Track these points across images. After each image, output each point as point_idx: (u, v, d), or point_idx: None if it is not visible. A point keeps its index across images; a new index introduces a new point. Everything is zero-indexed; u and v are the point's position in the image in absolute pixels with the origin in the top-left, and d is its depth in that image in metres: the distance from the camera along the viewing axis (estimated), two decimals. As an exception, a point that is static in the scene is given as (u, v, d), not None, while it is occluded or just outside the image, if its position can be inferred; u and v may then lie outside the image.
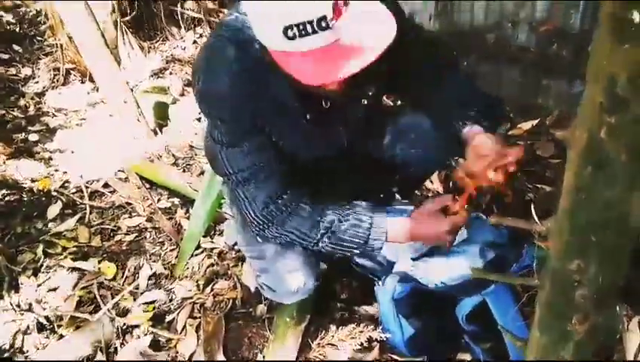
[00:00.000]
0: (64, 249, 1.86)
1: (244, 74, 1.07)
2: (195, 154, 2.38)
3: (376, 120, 1.34)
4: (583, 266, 0.69)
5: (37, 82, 3.38)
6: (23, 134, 2.73)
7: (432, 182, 2.08)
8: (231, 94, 1.07)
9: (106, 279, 1.73)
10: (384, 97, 1.46)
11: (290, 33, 0.86)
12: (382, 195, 1.51)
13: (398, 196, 1.56)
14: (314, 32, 0.86)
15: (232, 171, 1.15)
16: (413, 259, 1.35)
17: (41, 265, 1.79)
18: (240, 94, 1.07)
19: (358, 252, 1.19)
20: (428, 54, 1.28)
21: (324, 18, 0.86)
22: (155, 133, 2.53)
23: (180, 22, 3.67)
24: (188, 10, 3.68)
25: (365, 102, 1.22)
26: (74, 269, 1.77)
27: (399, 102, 1.50)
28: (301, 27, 0.86)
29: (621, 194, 0.61)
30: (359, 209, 1.19)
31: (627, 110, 0.54)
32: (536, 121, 2.55)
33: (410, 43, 1.25)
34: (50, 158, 2.47)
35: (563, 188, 0.67)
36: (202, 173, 2.19)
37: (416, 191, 1.86)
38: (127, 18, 3.43)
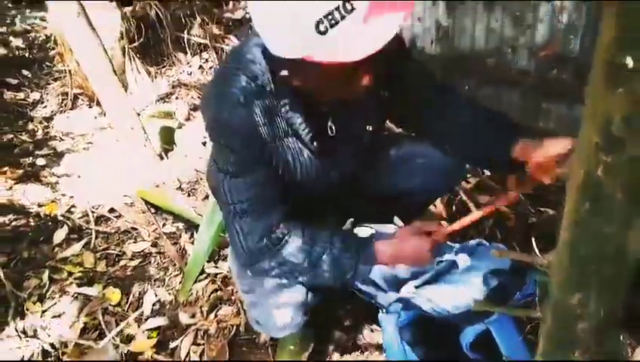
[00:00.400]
0: (70, 274, 1.87)
1: (255, 104, 1.08)
2: (200, 179, 2.41)
3: (379, 147, 1.36)
4: (583, 300, 0.69)
5: (45, 107, 3.44)
6: (31, 158, 2.77)
7: (435, 206, 2.09)
8: (242, 124, 1.08)
9: (110, 305, 1.74)
10: (388, 122, 1.47)
11: (321, 27, 0.86)
12: (384, 222, 1.51)
13: (400, 222, 1.57)
14: (342, 17, 0.87)
15: (231, 201, 1.15)
16: (417, 287, 1.35)
17: (47, 291, 1.80)
18: (251, 124, 1.09)
19: (349, 279, 1.19)
20: (429, 81, 1.30)
21: (348, 2, 0.86)
22: (161, 158, 2.55)
23: (187, 47, 3.74)
24: (194, 36, 3.74)
25: (370, 129, 1.24)
26: (79, 295, 1.77)
27: (401, 129, 1.51)
28: (330, 17, 0.86)
29: (618, 230, 0.62)
30: (347, 237, 1.21)
31: (623, 150, 0.55)
32: (538, 145, 2.56)
33: (412, 70, 1.28)
34: (57, 183, 2.50)
35: (563, 221, 0.69)
36: (207, 197, 2.21)
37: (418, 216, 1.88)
38: (135, 44, 3.50)
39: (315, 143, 1.16)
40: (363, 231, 1.46)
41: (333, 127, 1.19)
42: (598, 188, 0.59)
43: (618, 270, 0.66)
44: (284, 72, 1.01)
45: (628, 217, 0.61)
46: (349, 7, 0.86)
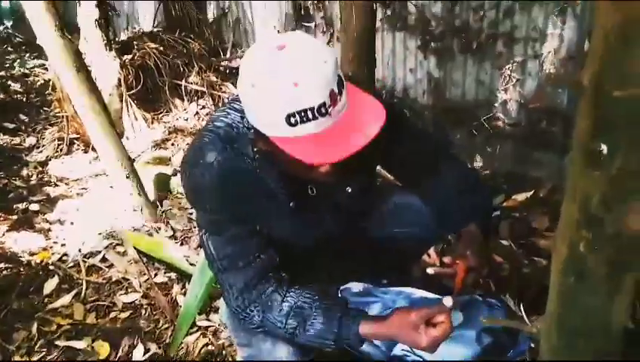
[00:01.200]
0: (59, 326, 1.84)
1: (230, 170, 1.12)
2: (194, 227, 2.41)
3: (365, 203, 1.37)
4: (573, 369, 0.70)
5: (41, 151, 3.46)
6: (24, 204, 2.76)
7: (429, 255, 2.10)
8: (214, 189, 1.12)
9: (99, 359, 1.71)
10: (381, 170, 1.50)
11: (292, 120, 0.91)
12: (377, 275, 1.51)
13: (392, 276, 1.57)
14: (314, 117, 0.91)
15: (214, 258, 1.18)
16: None
17: (36, 344, 1.77)
18: (224, 190, 1.12)
19: (332, 346, 1.17)
20: (420, 144, 1.33)
21: (323, 105, 0.91)
22: (156, 205, 2.56)
23: (183, 94, 3.81)
24: (191, 83, 3.82)
25: (350, 190, 1.25)
26: (68, 348, 1.74)
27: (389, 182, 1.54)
28: (302, 114, 0.90)
29: (603, 303, 0.63)
30: (332, 305, 1.17)
31: (602, 228, 0.57)
32: (530, 193, 2.59)
33: (402, 132, 1.31)
34: (50, 230, 2.49)
35: (549, 292, 0.70)
36: (200, 246, 2.21)
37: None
38: (133, 91, 3.56)
39: (292, 204, 1.18)
40: (356, 287, 1.46)
41: (313, 188, 1.22)
42: (582, 263, 0.61)
43: (605, 345, 0.67)
44: (260, 144, 1.05)
45: (612, 291, 0.62)
46: (323, 110, 0.91)
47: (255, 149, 1.11)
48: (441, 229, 1.37)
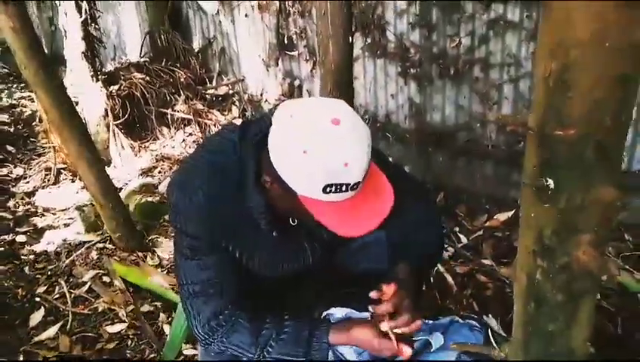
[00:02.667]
0: (45, 359, 1.83)
1: (215, 198, 1.15)
2: (180, 255, 2.42)
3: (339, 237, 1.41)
4: (539, 392, 0.73)
5: (28, 182, 3.45)
6: (11, 235, 2.76)
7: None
8: (199, 213, 1.15)
9: (85, 392, 1.71)
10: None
11: (328, 190, 0.99)
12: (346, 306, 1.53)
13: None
14: (346, 190, 1.00)
15: (185, 282, 1.21)
16: None
17: (20, 378, 1.76)
18: (207, 216, 1.15)
19: (302, 358, 1.20)
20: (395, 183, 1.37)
21: (357, 183, 1.01)
22: (142, 234, 2.57)
23: (170, 123, 3.84)
24: (178, 111, 3.86)
25: None
26: (53, 382, 1.74)
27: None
28: (338, 187, 0.99)
29: (562, 329, 0.67)
30: (298, 322, 1.22)
31: (555, 258, 0.61)
32: (511, 213, 2.65)
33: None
34: (36, 261, 2.49)
35: (514, 319, 0.73)
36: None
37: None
38: (120, 121, 3.59)
39: (274, 233, 1.21)
40: (339, 312, 1.47)
41: (295, 219, 1.25)
42: (539, 291, 0.65)
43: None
44: (267, 178, 1.10)
45: (569, 317, 0.66)
46: (355, 186, 1.01)
47: (245, 179, 1.14)
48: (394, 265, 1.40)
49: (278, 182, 1.06)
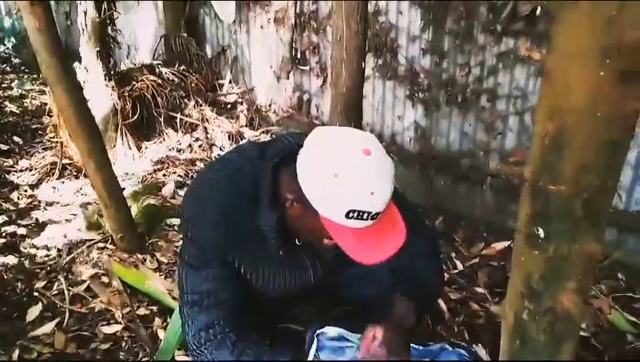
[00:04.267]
0: (39, 354, 1.86)
1: (229, 211, 1.19)
2: (179, 260, 2.45)
3: (345, 260, 1.45)
4: None
5: (33, 175, 3.49)
6: (13, 227, 2.79)
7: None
8: (208, 225, 1.19)
9: (77, 389, 1.73)
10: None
11: (350, 215, 1.05)
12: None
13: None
14: (366, 219, 1.06)
15: (186, 290, 1.25)
16: None
17: (14, 371, 1.79)
18: (217, 228, 1.19)
19: None
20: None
21: (378, 213, 1.06)
22: (144, 237, 2.61)
23: (178, 126, 3.90)
24: (187, 116, 3.91)
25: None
26: (46, 378, 1.77)
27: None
28: (361, 214, 1.05)
29: (544, 368, 0.70)
30: (279, 353, 1.26)
31: (540, 301, 0.65)
32: (508, 243, 2.68)
33: None
34: (36, 255, 2.52)
35: (500, 353, 0.77)
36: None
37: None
38: (129, 121, 3.64)
39: (281, 252, 1.25)
40: (332, 331, 1.51)
41: (302, 239, 1.29)
42: (525, 330, 0.69)
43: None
44: (289, 196, 1.14)
45: (550, 357, 0.70)
46: (375, 216, 1.07)
47: (260, 195, 1.19)
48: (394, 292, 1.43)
49: (301, 202, 1.10)
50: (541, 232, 0.60)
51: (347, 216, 1.04)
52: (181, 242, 1.34)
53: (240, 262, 1.25)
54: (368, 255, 1.11)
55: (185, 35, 4.22)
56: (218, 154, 3.74)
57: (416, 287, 1.36)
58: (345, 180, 1.03)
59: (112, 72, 3.61)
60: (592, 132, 0.54)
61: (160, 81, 3.91)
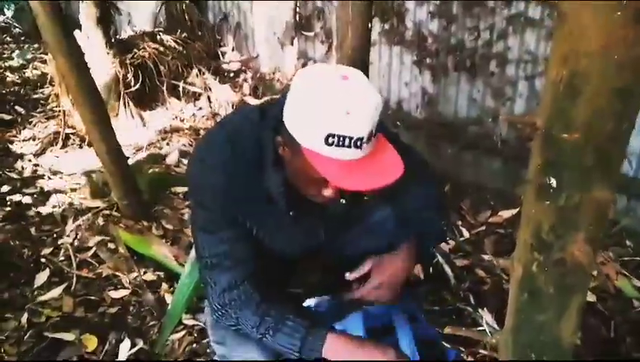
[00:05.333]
0: (48, 318, 1.89)
1: (235, 174, 1.18)
2: (185, 227, 2.46)
3: (353, 217, 1.43)
4: (525, 381, 0.76)
5: (36, 145, 3.49)
6: (18, 196, 2.80)
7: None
8: (218, 189, 1.18)
9: (86, 351, 1.75)
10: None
11: (330, 140, 0.99)
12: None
13: None
14: (349, 146, 1.00)
15: (203, 254, 1.25)
16: None
17: (25, 334, 1.81)
18: (226, 191, 1.18)
19: (298, 356, 1.22)
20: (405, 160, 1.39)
21: (360, 139, 1.00)
22: (149, 204, 2.61)
23: (181, 95, 3.86)
24: (189, 84, 3.87)
25: (344, 202, 1.32)
26: (56, 340, 1.79)
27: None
28: (341, 139, 0.99)
29: (552, 320, 0.69)
30: (300, 319, 1.23)
31: (551, 252, 0.64)
32: (516, 211, 2.66)
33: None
34: (42, 223, 2.53)
35: (507, 308, 0.76)
36: (189, 246, 2.26)
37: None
38: (131, 90, 3.61)
39: (291, 212, 1.24)
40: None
41: (310, 197, 1.28)
42: (534, 282, 0.68)
43: (555, 355, 0.74)
44: (280, 140, 1.12)
45: (560, 309, 0.69)
46: (358, 143, 1.00)
47: (264, 155, 1.17)
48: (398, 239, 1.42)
49: (290, 144, 1.08)
50: (553, 182, 0.59)
51: (327, 142, 0.99)
52: (189, 209, 1.33)
53: (250, 224, 1.25)
54: (357, 182, 1.04)
55: (186, 1, 4.13)
56: (222, 123, 3.71)
57: (419, 230, 1.37)
58: (318, 101, 0.99)
59: (112, 40, 3.56)
60: (606, 76, 0.51)
61: (162, 48, 3.86)
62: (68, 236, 2.39)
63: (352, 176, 1.03)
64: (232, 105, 3.85)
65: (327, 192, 1.14)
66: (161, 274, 2.14)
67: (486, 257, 2.36)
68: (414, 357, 1.25)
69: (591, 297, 2.01)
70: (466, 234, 2.54)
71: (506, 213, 2.67)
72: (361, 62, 1.84)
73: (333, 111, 0.98)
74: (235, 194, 1.19)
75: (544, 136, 0.57)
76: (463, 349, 1.63)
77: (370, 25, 1.82)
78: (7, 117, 3.84)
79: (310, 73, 1.06)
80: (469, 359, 1.55)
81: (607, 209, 0.57)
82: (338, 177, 1.03)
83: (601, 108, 0.53)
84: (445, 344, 1.51)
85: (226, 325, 1.28)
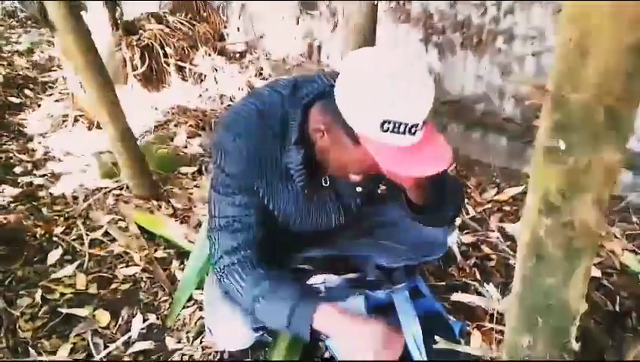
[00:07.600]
0: (62, 295, 1.93)
1: (256, 143, 1.21)
2: (194, 206, 2.49)
3: (367, 206, 1.45)
4: (532, 343, 0.78)
5: (46, 127, 3.51)
6: (29, 177, 2.83)
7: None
8: (239, 156, 1.21)
9: (99, 327, 1.79)
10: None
11: (385, 126, 1.00)
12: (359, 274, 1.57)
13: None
14: (404, 133, 1.01)
15: (214, 214, 1.28)
16: None
17: (39, 310, 1.85)
18: (245, 157, 1.21)
19: (286, 328, 1.22)
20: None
21: (415, 125, 1.01)
22: (158, 184, 2.63)
23: (188, 76, 3.86)
24: (196, 65, 3.87)
25: (360, 190, 1.34)
26: (70, 316, 1.83)
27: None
28: (397, 125, 0.99)
29: (559, 284, 0.71)
30: (290, 289, 1.23)
31: (559, 215, 0.65)
32: (521, 188, 2.67)
33: None
34: (54, 203, 2.57)
35: (515, 274, 0.78)
36: (199, 225, 2.29)
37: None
38: (138, 71, 3.61)
39: (306, 191, 1.26)
40: (333, 279, 1.51)
41: (328, 179, 1.30)
42: (541, 247, 0.69)
43: (562, 321, 0.75)
44: (320, 126, 1.12)
45: (568, 273, 0.70)
46: (413, 130, 1.01)
47: (290, 132, 1.18)
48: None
49: (334, 131, 1.09)
50: (562, 144, 0.59)
51: (382, 127, 0.99)
52: (209, 173, 1.36)
53: (264, 194, 1.28)
54: (408, 168, 1.03)
55: (191, -19, 4.11)
56: (229, 105, 3.72)
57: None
58: (376, 87, 0.99)
59: (118, 21, 3.55)
60: (618, 35, 0.51)
61: (167, 30, 3.85)
62: (80, 215, 2.42)
63: (406, 162, 1.03)
64: (238, 87, 3.85)
65: (355, 178, 1.17)
66: (172, 251, 2.17)
67: (492, 234, 2.37)
68: (418, 337, 1.26)
69: (596, 272, 2.03)
70: (472, 212, 2.55)
71: (511, 191, 2.68)
72: (369, 38, 1.84)
73: (391, 98, 0.98)
74: (256, 164, 1.22)
75: (553, 98, 0.58)
76: (469, 322, 1.67)
77: (376, 2, 1.82)
78: (16, 100, 3.86)
79: (365, 57, 1.05)
80: (475, 331, 1.59)
81: (616, 171, 0.58)
82: (392, 163, 1.03)
83: (611, 67, 0.53)
84: (450, 317, 1.54)
85: (221, 286, 1.30)
